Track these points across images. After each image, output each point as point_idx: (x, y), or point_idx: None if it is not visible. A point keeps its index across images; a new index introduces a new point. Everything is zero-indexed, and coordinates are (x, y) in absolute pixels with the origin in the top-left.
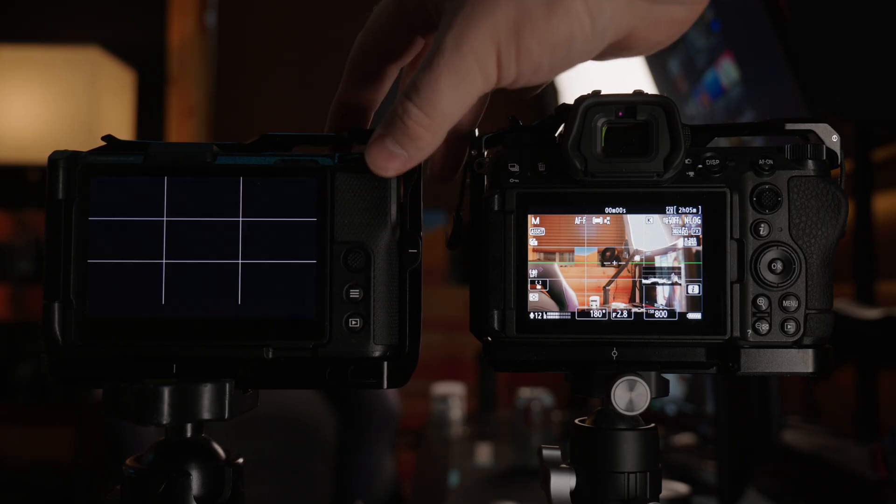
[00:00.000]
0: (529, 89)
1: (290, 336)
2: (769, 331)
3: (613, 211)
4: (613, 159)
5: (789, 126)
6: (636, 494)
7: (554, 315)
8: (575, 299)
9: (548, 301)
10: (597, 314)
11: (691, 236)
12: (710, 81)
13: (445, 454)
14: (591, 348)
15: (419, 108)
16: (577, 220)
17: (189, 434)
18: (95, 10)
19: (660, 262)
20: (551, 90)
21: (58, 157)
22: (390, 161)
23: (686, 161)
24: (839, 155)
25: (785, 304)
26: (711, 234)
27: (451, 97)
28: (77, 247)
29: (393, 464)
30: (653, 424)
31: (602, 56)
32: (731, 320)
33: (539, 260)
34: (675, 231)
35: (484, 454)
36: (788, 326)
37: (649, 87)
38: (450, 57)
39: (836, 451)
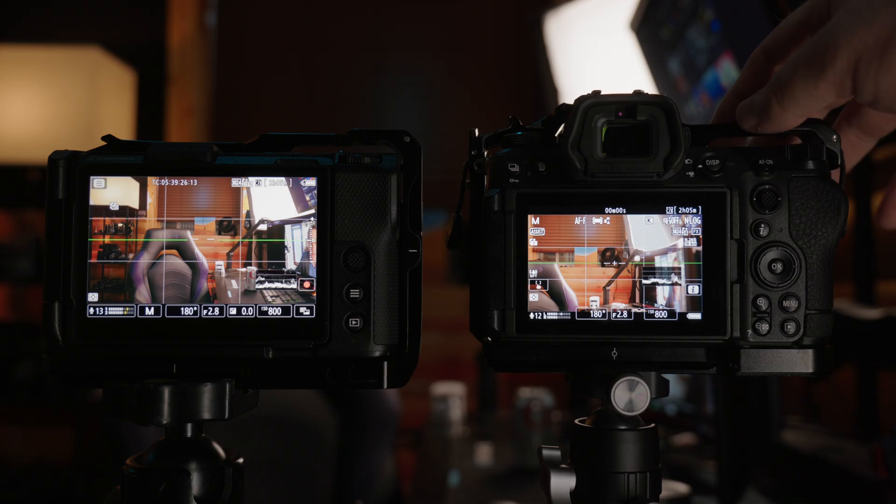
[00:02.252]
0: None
1: (290, 336)
2: (769, 331)
3: (613, 211)
4: (613, 159)
5: None
6: (636, 494)
7: (554, 315)
8: (575, 299)
9: (548, 301)
10: (597, 314)
11: (691, 236)
12: (710, 81)
13: (445, 454)
14: (591, 348)
15: (779, 87)
16: (577, 220)
17: (189, 434)
18: (95, 10)
19: (660, 262)
20: (551, 90)
21: (58, 157)
22: (748, 118)
23: (686, 161)
24: (839, 155)
25: (785, 304)
26: (711, 235)
27: (801, 90)
28: (77, 247)
29: (393, 464)
30: (653, 424)
31: None
32: (731, 320)
33: (539, 260)
34: (675, 231)
35: (484, 454)
36: (788, 327)
37: (649, 88)
38: (808, 54)
39: (836, 451)
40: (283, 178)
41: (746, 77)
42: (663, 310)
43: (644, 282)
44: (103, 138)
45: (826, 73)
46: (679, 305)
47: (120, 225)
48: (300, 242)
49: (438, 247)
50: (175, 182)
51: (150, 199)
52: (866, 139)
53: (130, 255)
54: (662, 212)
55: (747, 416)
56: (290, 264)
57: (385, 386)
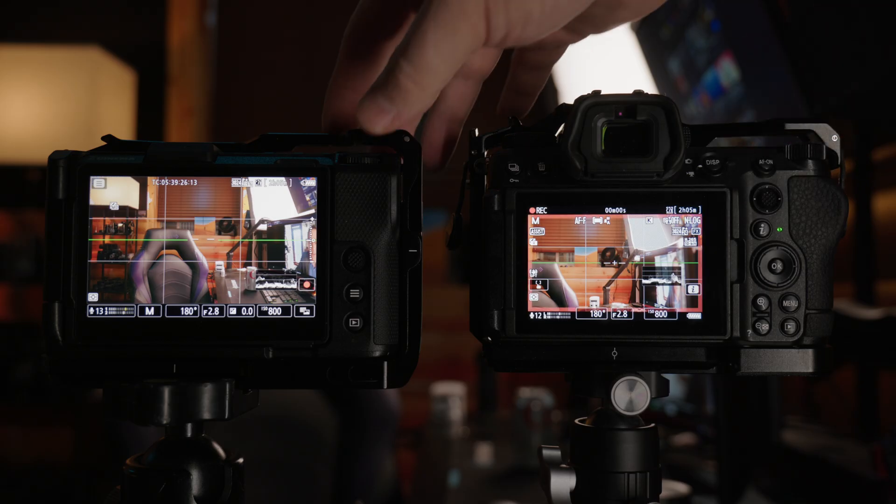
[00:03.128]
0: (541, 59)
1: (290, 336)
2: (769, 331)
3: (613, 211)
4: (613, 159)
5: (789, 126)
6: (636, 494)
7: (554, 315)
8: (575, 299)
9: (548, 301)
10: (597, 314)
11: (691, 236)
12: (710, 81)
13: (445, 454)
14: (591, 348)
15: (408, 61)
16: (577, 220)
17: (189, 434)
18: (95, 10)
19: (660, 262)
20: (551, 90)
21: (58, 157)
22: (380, 116)
23: (686, 161)
24: (839, 155)
25: (785, 304)
26: (711, 234)
27: (439, 51)
28: (77, 247)
29: (393, 464)
30: (653, 424)
31: (600, 19)
32: (731, 320)
33: (539, 260)
34: (675, 231)
35: (484, 454)
36: (788, 326)
37: (649, 87)
38: (436, 10)
39: (836, 451)
40: (283, 178)
41: (345, 66)
42: (663, 310)
43: (644, 282)
44: (103, 138)
45: (460, 27)
46: (679, 305)
47: (120, 225)
48: (300, 242)
49: (438, 247)
50: (175, 182)
51: (150, 199)
52: (470, 84)
53: (130, 255)
54: (662, 212)
55: (747, 416)
56: (290, 264)
57: (385, 386)
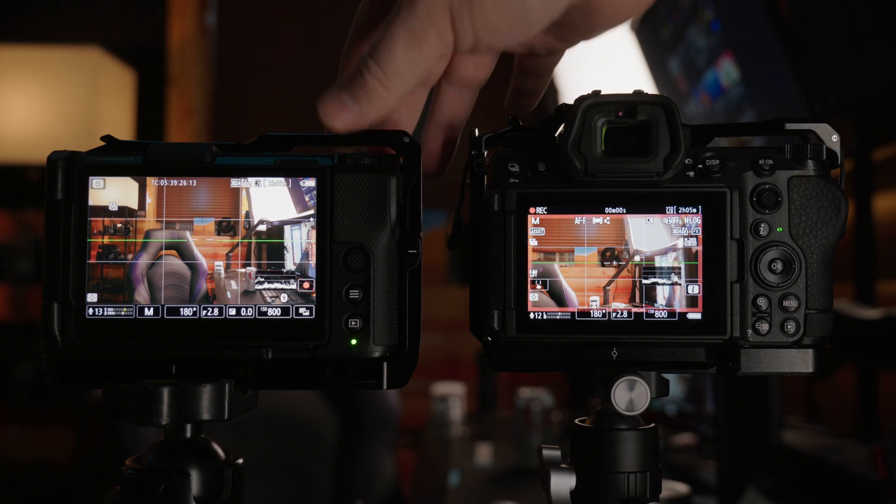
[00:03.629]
0: (538, 64)
1: (290, 336)
2: (769, 331)
3: (613, 211)
4: (613, 159)
5: (789, 126)
6: (636, 494)
7: (554, 315)
8: (575, 299)
9: (548, 301)
10: (597, 314)
11: (691, 236)
12: (710, 81)
13: (445, 454)
14: (591, 348)
15: (376, 63)
16: (577, 220)
17: (189, 434)
18: (95, 10)
19: (660, 262)
20: (551, 90)
21: (57, 158)
22: (341, 112)
23: (686, 161)
24: (839, 155)
25: (785, 304)
26: (711, 234)
27: (407, 55)
28: (76, 247)
29: (393, 464)
30: (653, 424)
31: (582, 27)
32: (731, 320)
33: (539, 260)
34: (675, 231)
35: (484, 454)
36: (788, 326)
37: (649, 87)
38: (405, 16)
39: (836, 451)
40: (282, 179)
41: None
42: (663, 310)
43: (644, 282)
44: (102, 138)
45: (428, 32)
46: (679, 305)
47: (119, 225)
48: (299, 243)
49: (438, 247)
50: (174, 182)
51: (150, 200)
52: (466, 92)
53: (129, 256)
54: (662, 212)
55: (747, 416)
56: (290, 265)
57: (385, 387)
